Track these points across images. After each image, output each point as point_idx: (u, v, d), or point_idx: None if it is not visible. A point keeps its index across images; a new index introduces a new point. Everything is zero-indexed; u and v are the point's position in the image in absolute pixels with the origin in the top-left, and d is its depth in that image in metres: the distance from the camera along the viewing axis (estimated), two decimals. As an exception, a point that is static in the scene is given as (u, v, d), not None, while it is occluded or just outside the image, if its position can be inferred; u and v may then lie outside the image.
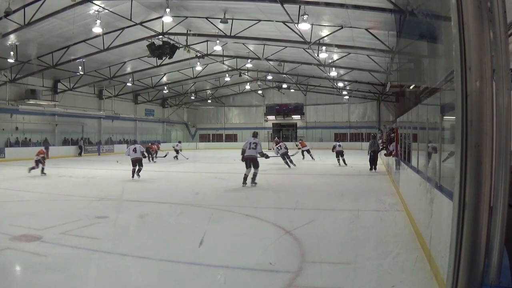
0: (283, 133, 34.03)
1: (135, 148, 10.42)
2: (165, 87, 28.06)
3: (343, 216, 5.51)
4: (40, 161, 11.20)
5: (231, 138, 34.68)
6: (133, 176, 10.02)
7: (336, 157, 13.77)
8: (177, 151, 18.38)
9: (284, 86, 30.78)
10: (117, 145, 26.50)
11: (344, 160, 13.74)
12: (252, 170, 8.30)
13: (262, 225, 5.00)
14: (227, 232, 4.59)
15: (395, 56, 13.39)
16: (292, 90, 32.46)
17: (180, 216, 5.61)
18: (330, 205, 6.32)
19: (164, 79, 26.04)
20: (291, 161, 13.53)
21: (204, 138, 36.69)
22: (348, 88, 28.20)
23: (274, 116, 35.60)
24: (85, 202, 6.63)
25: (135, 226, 5.00)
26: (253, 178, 8.34)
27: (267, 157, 8.89)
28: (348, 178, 10.63)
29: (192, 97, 32.96)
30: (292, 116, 35.06)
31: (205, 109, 37.73)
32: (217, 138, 35.52)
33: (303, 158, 16.60)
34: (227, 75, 25.62)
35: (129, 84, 24.62)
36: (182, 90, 30.68)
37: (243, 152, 8.36)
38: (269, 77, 27.04)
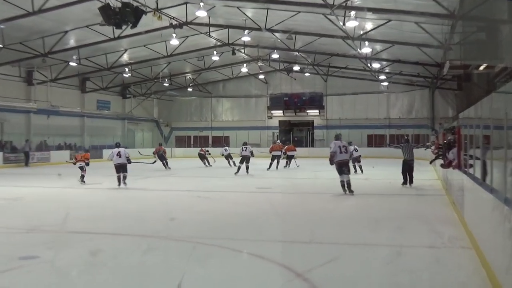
0: (294, 135, 34.20)
1: (119, 152, 12.58)
2: (127, 69, 28.07)
3: (379, 253, 5.56)
4: (83, 168, 13.47)
5: (220, 141, 34.54)
6: (119, 184, 12.41)
7: (353, 163, 15.86)
8: (228, 157, 21.39)
9: (296, 68, 30.81)
10: (55, 151, 26.45)
11: (360, 167, 16.56)
12: (345, 177, 10.53)
13: (263, 265, 5.08)
14: (214, 276, 4.66)
15: (457, 22, 13.44)
16: (307, 74, 32.58)
17: (148, 253, 5.68)
18: (360, 238, 6.39)
19: (125, 57, 26.08)
20: (247, 168, 16.91)
21: (182, 142, 36.71)
22: (387, 70, 28.33)
23: (281, 111, 35.77)
24: (2, 236, 6.60)
25: (81, 269, 4.97)
26: (349, 186, 10.51)
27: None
28: (384, 198, 10.77)
29: (166, 84, 32.97)
30: (307, 111, 35.25)
31: (184, 101, 37.83)
32: (201, 141, 35.49)
33: (287, 165, 19.81)
34: (214, 52, 25.65)
35: (73, 64, 24.71)
36: (151, 74, 30.65)
37: (333, 156, 10.63)
38: (275, 56, 27.12)
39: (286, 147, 20.82)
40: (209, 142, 34.90)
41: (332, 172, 16.25)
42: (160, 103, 38.27)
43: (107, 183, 13.15)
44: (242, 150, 17.44)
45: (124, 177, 12.57)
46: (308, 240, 6.20)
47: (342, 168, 10.66)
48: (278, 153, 19.56)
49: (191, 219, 7.96)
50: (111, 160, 12.82)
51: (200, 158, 22.56)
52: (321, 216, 8.21)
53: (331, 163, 10.82)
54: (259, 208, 9.25)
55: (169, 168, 20.46)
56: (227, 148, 22.40)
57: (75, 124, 30.08)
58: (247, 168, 17.10)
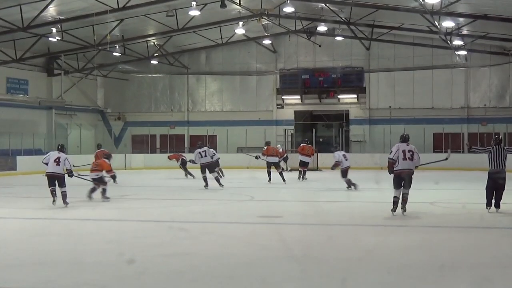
0: (319, 134, 34.21)
1: (58, 158, 13.48)
2: (54, 30, 27.86)
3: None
4: (102, 179, 15.26)
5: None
6: (54, 201, 13.36)
7: (343, 177, 18.07)
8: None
9: (321, 28, 30.77)
10: None
11: (349, 182, 17.91)
12: (402, 190, 11.74)
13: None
14: None
15: None
16: (338, 39, 32.58)
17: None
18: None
19: (52, 11, 25.83)
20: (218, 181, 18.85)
21: (142, 144, 36.57)
22: (465, 31, 28.39)
23: (298, 96, 35.72)
24: None
25: None
26: (404, 201, 11.79)
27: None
28: (459, 233, 10.88)
29: (116, 53, 32.99)
30: (339, 97, 35.25)
31: (145, 81, 37.95)
32: (172, 143, 35.56)
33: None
34: (193, 4, 25.37)
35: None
36: (94, 38, 30.08)
37: (392, 165, 11.83)
38: (288, 9, 26.98)
39: (301, 145, 22.38)
40: (185, 145, 34.61)
41: (375, 192, 17.22)
42: (108, 83, 38.17)
43: (27, 209, 13.54)
44: (202, 156, 18.76)
45: (64, 196, 13.53)
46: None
47: (399, 179, 11.79)
48: (275, 159, 21.13)
49: (158, 265, 7.71)
50: (46, 164, 13.76)
51: (183, 168, 23.99)
52: (358, 260, 8.15)
53: (390, 173, 11.95)
54: (264, 247, 9.11)
55: (117, 183, 20.53)
56: (212, 151, 21.61)
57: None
58: (217, 180, 18.65)
